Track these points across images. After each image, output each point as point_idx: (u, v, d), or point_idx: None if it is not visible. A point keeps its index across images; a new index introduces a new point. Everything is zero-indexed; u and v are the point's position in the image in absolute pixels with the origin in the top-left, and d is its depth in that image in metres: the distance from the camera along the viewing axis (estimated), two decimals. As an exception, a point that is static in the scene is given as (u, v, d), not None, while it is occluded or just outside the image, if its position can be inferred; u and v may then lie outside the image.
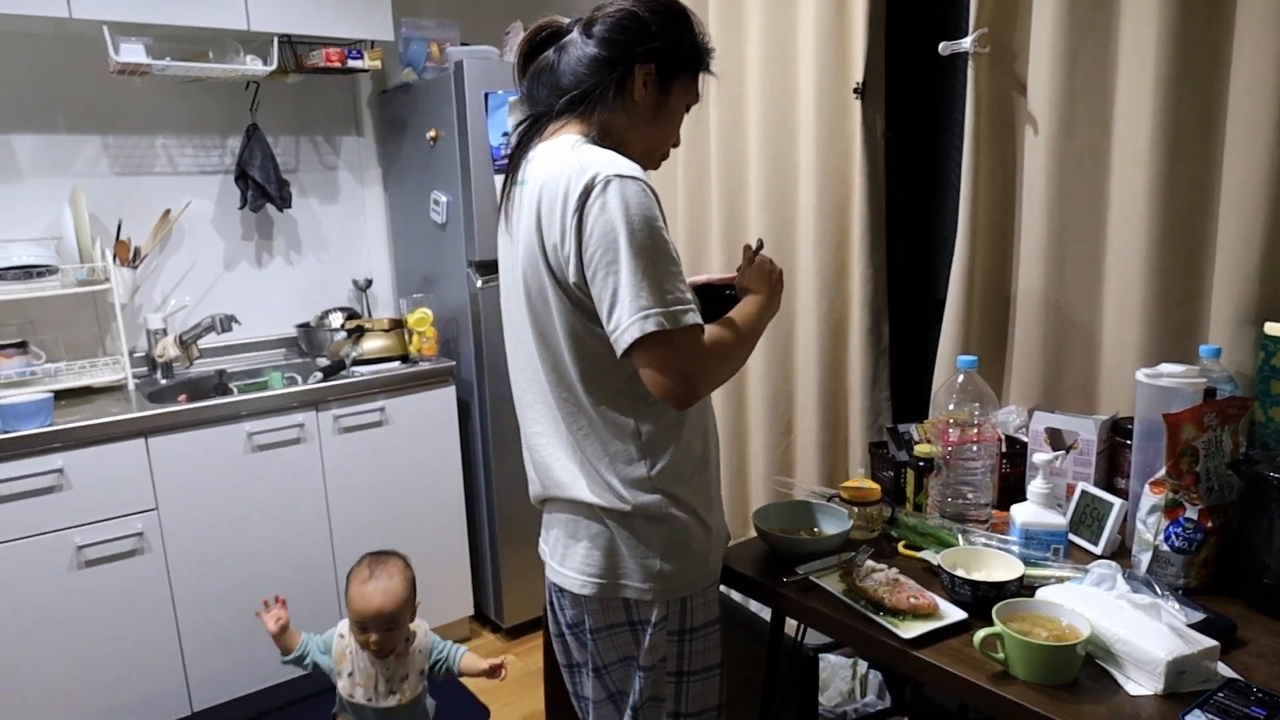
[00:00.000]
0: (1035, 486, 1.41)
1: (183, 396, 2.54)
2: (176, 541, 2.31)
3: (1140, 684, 1.08)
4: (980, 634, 1.13)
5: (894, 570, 1.35)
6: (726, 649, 1.47)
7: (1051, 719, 1.04)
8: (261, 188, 2.78)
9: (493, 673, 2.00)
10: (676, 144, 1.42)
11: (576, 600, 1.41)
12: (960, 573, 1.28)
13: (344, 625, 1.98)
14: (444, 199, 2.75)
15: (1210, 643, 1.09)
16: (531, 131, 1.34)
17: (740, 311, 1.36)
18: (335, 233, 3.11)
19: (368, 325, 2.75)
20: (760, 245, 1.45)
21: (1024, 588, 1.27)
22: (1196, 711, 1.01)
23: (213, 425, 2.33)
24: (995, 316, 1.93)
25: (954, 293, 1.89)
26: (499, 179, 2.62)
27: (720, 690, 1.47)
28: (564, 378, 1.30)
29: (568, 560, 1.39)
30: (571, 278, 1.22)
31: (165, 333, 2.71)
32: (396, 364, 2.70)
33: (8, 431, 2.08)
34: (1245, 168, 1.48)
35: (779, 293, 1.44)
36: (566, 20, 1.35)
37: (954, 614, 1.25)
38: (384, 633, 1.89)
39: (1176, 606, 1.17)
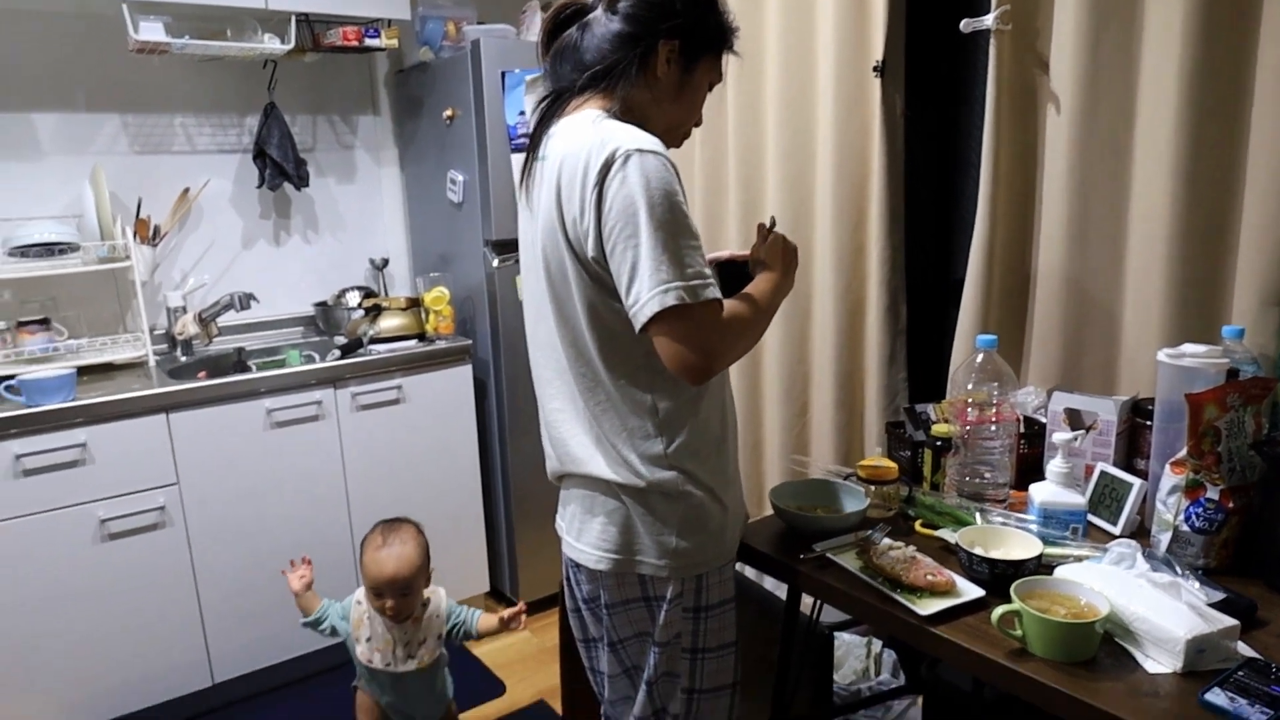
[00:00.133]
0: (1054, 465, 1.40)
1: (202, 373, 2.56)
2: (197, 516, 2.34)
3: (1159, 662, 1.08)
4: (998, 611, 1.13)
5: (911, 548, 1.35)
6: (741, 627, 1.47)
7: (1069, 695, 1.04)
8: (279, 166, 2.79)
9: (509, 623, 2.02)
10: (699, 123, 1.41)
11: (593, 576, 1.42)
12: (978, 551, 1.28)
13: (360, 593, 2.01)
14: (460, 178, 2.75)
15: (1230, 622, 1.08)
16: (554, 107, 1.33)
17: (756, 287, 1.36)
18: (352, 212, 3.12)
19: (385, 304, 2.77)
20: (773, 223, 1.44)
21: (1042, 566, 1.27)
22: (1216, 689, 1.01)
23: (233, 402, 2.35)
24: (1015, 296, 1.92)
25: (973, 272, 1.88)
26: (516, 158, 2.63)
27: (735, 668, 1.48)
28: (582, 353, 1.31)
29: (584, 536, 1.40)
30: (590, 252, 1.22)
31: (185, 310, 2.73)
32: (413, 342, 2.71)
33: (32, 406, 2.11)
34: (1271, 148, 1.46)
35: (793, 270, 1.43)
36: None
37: (971, 591, 1.25)
38: (399, 598, 1.91)
39: (1197, 585, 1.17)
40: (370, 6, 2.69)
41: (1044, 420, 1.70)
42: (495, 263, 2.67)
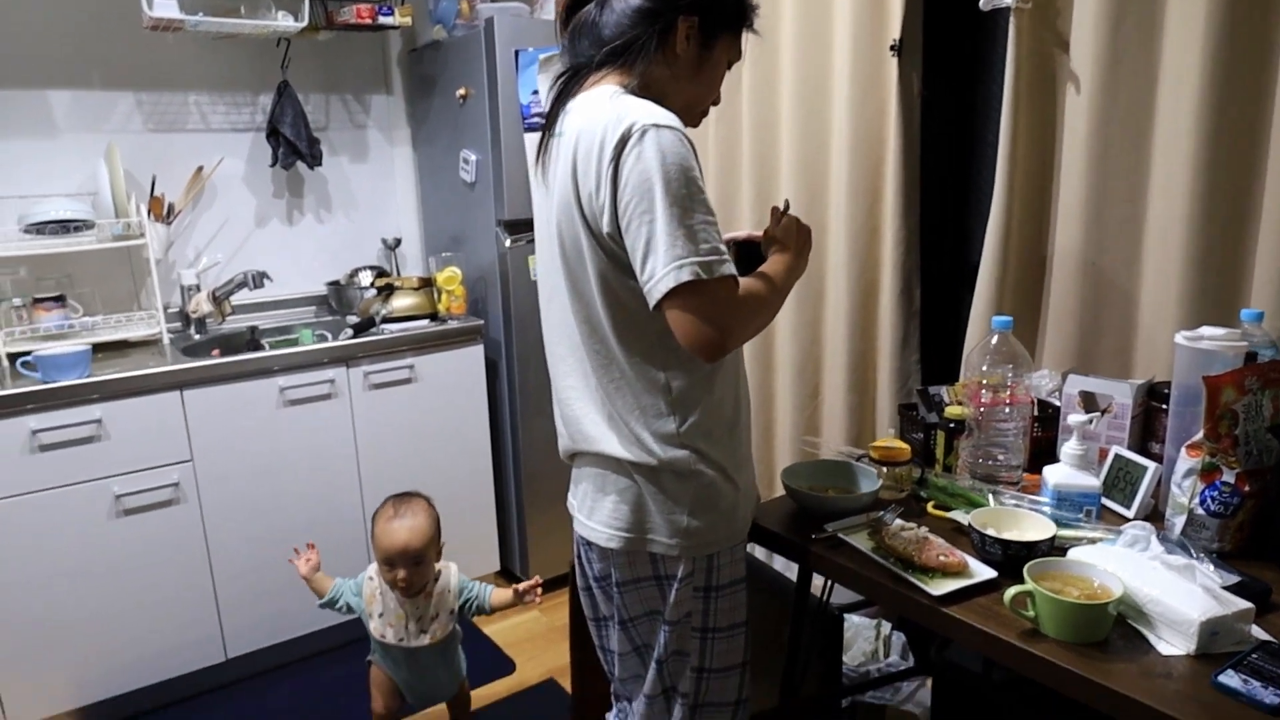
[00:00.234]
0: (1069, 448, 1.39)
1: (216, 351, 2.57)
2: (211, 492, 2.35)
3: (1172, 644, 1.08)
4: (1011, 591, 1.13)
5: (923, 529, 1.34)
6: (751, 608, 1.48)
7: (1081, 676, 1.04)
8: (292, 145, 2.79)
9: (524, 595, 2.03)
10: (717, 101, 1.40)
11: (604, 554, 1.43)
12: (991, 532, 1.28)
13: (373, 568, 2.02)
14: (473, 158, 2.74)
15: (1245, 605, 1.08)
16: (571, 84, 1.32)
17: (770, 267, 1.35)
18: (365, 191, 3.12)
19: (397, 283, 2.77)
20: (787, 206, 1.44)
21: (1055, 548, 1.27)
22: (1230, 671, 1.00)
23: (246, 379, 2.36)
24: (1030, 278, 1.91)
25: (989, 254, 1.87)
26: (529, 137, 2.62)
27: (745, 648, 1.48)
28: (596, 330, 1.30)
29: (596, 514, 1.40)
30: (605, 228, 1.21)
31: (199, 288, 2.74)
32: (425, 322, 2.71)
33: (48, 382, 2.12)
34: (1295, 127, 1.44)
35: (807, 252, 1.43)
36: None
37: (984, 572, 1.25)
38: (411, 568, 1.92)
39: (1211, 568, 1.16)
40: (383, -16, 2.68)
41: (1058, 404, 1.69)
42: (508, 243, 2.67)
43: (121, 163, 2.50)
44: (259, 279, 2.68)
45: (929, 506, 1.51)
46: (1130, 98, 1.66)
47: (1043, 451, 1.65)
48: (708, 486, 1.34)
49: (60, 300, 2.47)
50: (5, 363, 2.31)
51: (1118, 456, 1.50)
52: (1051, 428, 1.68)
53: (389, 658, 2.02)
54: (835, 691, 1.91)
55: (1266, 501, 1.30)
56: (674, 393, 1.30)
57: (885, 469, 1.55)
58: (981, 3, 1.81)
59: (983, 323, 1.89)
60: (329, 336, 2.75)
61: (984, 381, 1.56)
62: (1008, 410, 1.55)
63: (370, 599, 1.99)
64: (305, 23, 2.61)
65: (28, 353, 2.21)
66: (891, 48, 2.04)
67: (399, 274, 3.10)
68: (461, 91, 2.73)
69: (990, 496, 1.45)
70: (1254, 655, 1.03)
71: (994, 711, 1.78)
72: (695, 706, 1.46)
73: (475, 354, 2.75)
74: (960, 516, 1.42)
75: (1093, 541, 1.29)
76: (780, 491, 1.60)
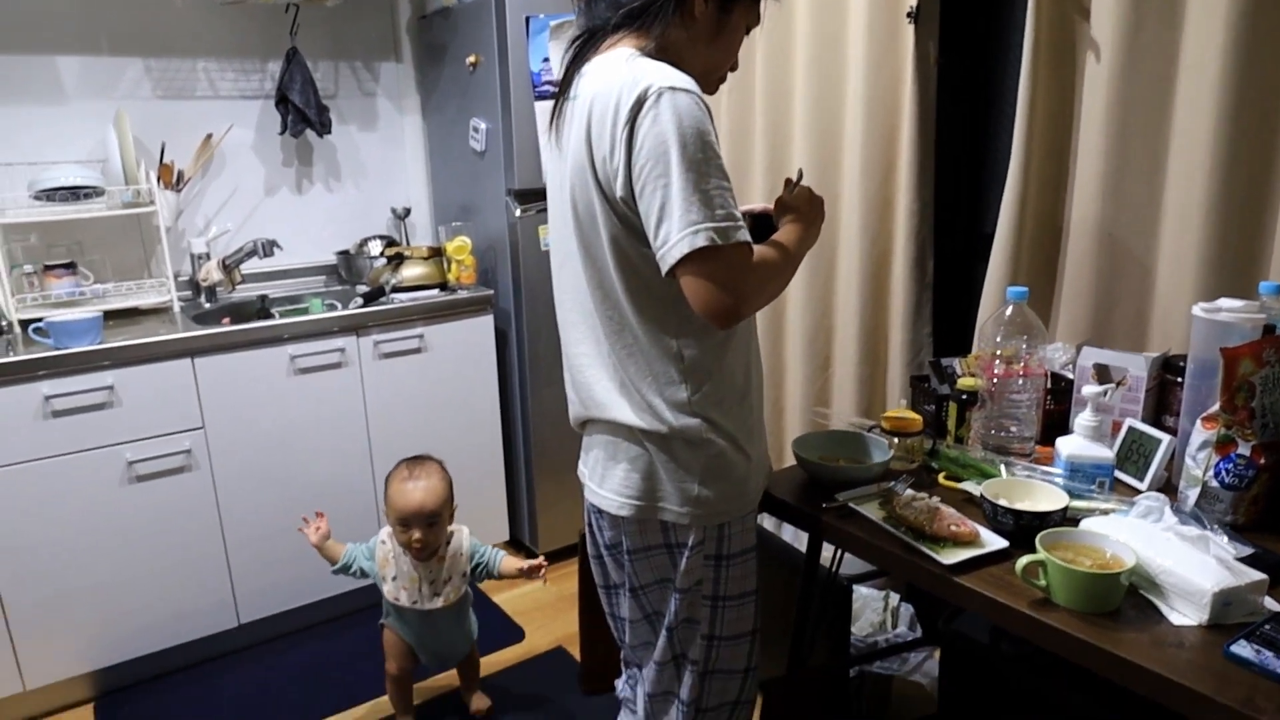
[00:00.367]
0: (1083, 419, 1.39)
1: (226, 320, 2.57)
2: (223, 459, 2.37)
3: (1184, 614, 1.08)
4: (1023, 561, 1.13)
5: (935, 499, 1.34)
6: (761, 579, 1.48)
7: (1092, 645, 1.04)
8: (301, 112, 2.77)
9: (531, 573, 2.04)
10: (734, 67, 1.38)
11: (615, 522, 1.43)
12: (1003, 502, 1.27)
13: (385, 532, 2.04)
14: (483, 126, 2.72)
15: (1259, 576, 1.08)
16: (586, 47, 1.31)
17: (783, 235, 1.34)
18: (374, 160, 3.10)
19: (407, 253, 2.76)
20: (800, 176, 1.43)
21: (1067, 519, 1.26)
22: (1242, 641, 1.00)
23: (257, 347, 2.36)
24: (1046, 249, 1.89)
25: (1004, 224, 1.85)
26: (539, 106, 2.60)
27: (754, 617, 1.49)
28: (609, 295, 1.30)
29: (607, 482, 1.40)
30: (619, 192, 1.20)
31: (208, 257, 2.74)
32: (435, 291, 2.70)
33: (60, 348, 2.13)
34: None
35: (819, 223, 1.41)
36: None
37: (995, 542, 1.24)
38: (426, 529, 1.94)
39: (1225, 540, 1.16)
40: (393, -51, 2.65)
41: (1071, 376, 1.68)
42: (518, 212, 2.66)
43: (130, 130, 2.49)
44: (269, 247, 2.68)
45: (940, 477, 1.51)
46: (1152, 66, 1.64)
47: (1055, 424, 1.64)
48: (718, 456, 1.33)
49: (71, 267, 2.47)
50: (18, 329, 2.32)
51: (1131, 429, 1.49)
52: (1064, 400, 1.67)
53: (403, 620, 2.04)
54: (843, 661, 1.92)
55: (1282, 474, 1.29)
56: (686, 360, 1.29)
57: (897, 440, 1.55)
58: (1001, -32, 1.78)
59: (997, 294, 1.88)
60: (339, 306, 2.75)
61: (997, 353, 1.56)
62: (1021, 382, 1.54)
63: (384, 563, 2.01)
64: (314, -12, 2.58)
65: (39, 319, 2.21)
66: (908, 15, 2.01)
67: (408, 243, 3.09)
68: (471, 59, 2.70)
69: (1002, 467, 1.45)
70: (1267, 626, 1.03)
71: (1002, 682, 1.78)
72: (705, 673, 1.47)
73: (485, 324, 2.75)
74: (971, 487, 1.42)
75: (1105, 513, 1.28)
76: (790, 463, 1.59)
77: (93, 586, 2.25)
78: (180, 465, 2.31)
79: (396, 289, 2.68)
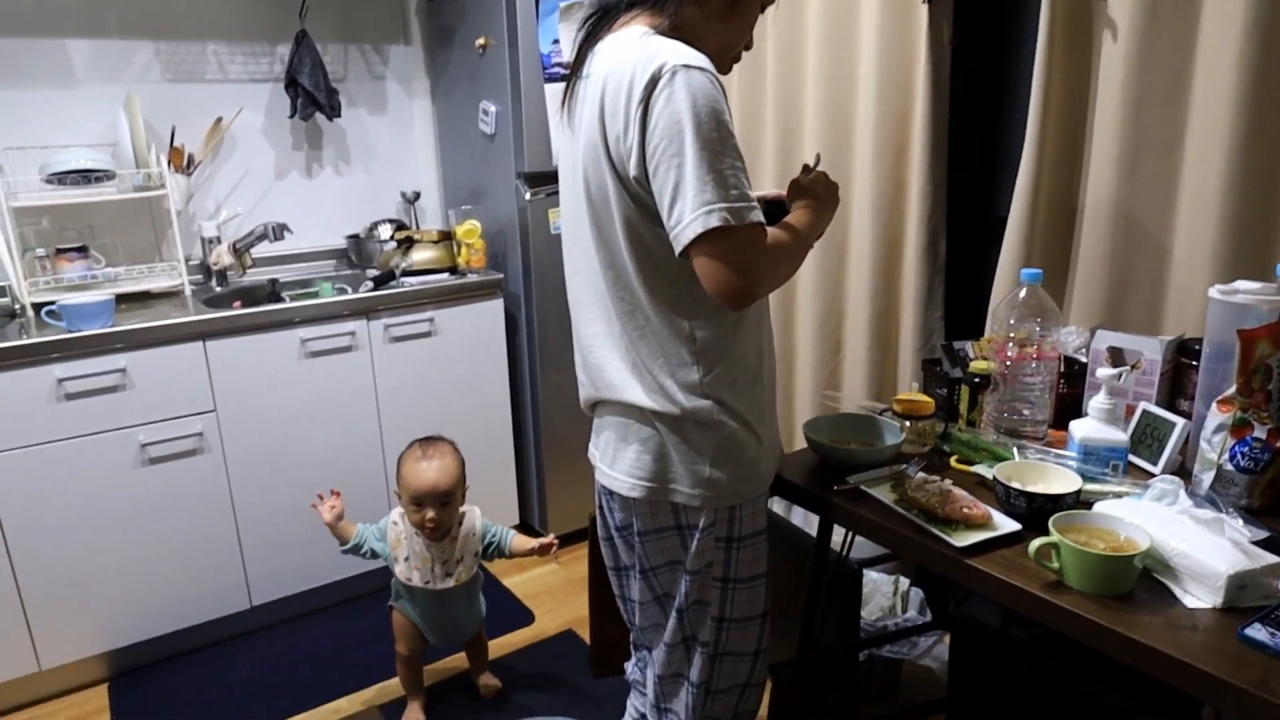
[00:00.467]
0: (1097, 401, 1.38)
1: (237, 303, 2.58)
2: (234, 442, 2.38)
3: (1199, 597, 1.07)
4: (1036, 543, 1.12)
5: (947, 482, 1.34)
6: (771, 562, 1.48)
7: (1105, 627, 1.03)
8: (311, 95, 2.76)
9: (543, 550, 2.05)
10: (749, 46, 1.37)
11: (626, 503, 1.43)
12: (1016, 485, 1.27)
13: (396, 513, 2.04)
14: (493, 109, 2.71)
15: (1274, 559, 1.07)
16: (599, 25, 1.30)
17: (795, 217, 1.33)
18: (383, 144, 3.09)
19: (417, 236, 2.76)
20: (818, 160, 1.42)
21: (1081, 503, 1.26)
22: (1257, 625, 0.99)
23: (268, 331, 2.37)
24: (1060, 233, 1.87)
25: (1018, 205, 1.83)
26: (549, 88, 2.59)
27: (765, 599, 1.49)
28: (621, 276, 1.29)
29: (618, 463, 1.40)
30: (632, 171, 1.19)
31: (219, 240, 2.74)
32: (445, 275, 2.70)
33: (73, 331, 2.14)
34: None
35: (832, 207, 1.40)
36: None
37: (1008, 525, 1.24)
38: (439, 508, 1.94)
39: (1240, 523, 1.15)
40: (402, -69, 2.63)
41: (1085, 360, 1.67)
42: (528, 196, 2.65)
43: (141, 113, 2.49)
44: (279, 231, 2.68)
45: (952, 460, 1.50)
46: (1169, 45, 1.62)
47: (1068, 408, 1.63)
48: (730, 438, 1.33)
49: (83, 251, 2.48)
50: (30, 312, 2.33)
51: (1145, 412, 1.48)
52: (1077, 384, 1.66)
53: (413, 600, 2.05)
54: (853, 645, 1.92)
55: (1298, 458, 1.28)
56: (698, 342, 1.29)
57: (908, 423, 1.54)
58: (1017, -54, 1.76)
59: (1010, 277, 1.87)
60: (349, 290, 2.75)
61: (1011, 335, 1.54)
62: (1034, 365, 1.53)
63: (395, 543, 2.01)
64: (323, -30, 2.57)
65: (51, 303, 2.22)
66: (922, -6, 1.99)
67: (418, 227, 3.09)
68: (481, 41, 2.69)
69: (1015, 451, 1.44)
70: (1282, 609, 1.02)
71: (1012, 667, 1.78)
72: (715, 656, 1.47)
73: (495, 308, 2.75)
74: (984, 470, 1.41)
75: (1119, 496, 1.28)
76: (800, 446, 1.59)
77: (107, 568, 2.27)
78: (192, 448, 2.32)
79: (406, 273, 2.68)
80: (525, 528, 3.06)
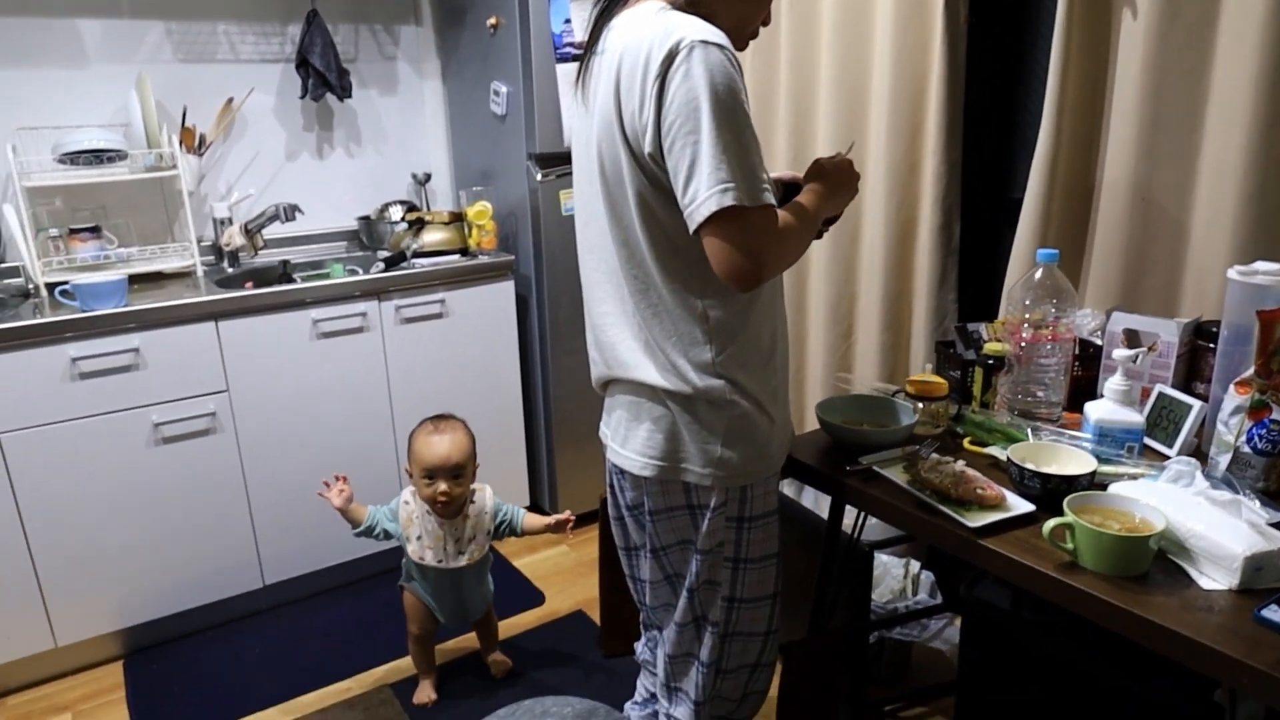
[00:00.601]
0: (1113, 383, 1.36)
1: (249, 284, 2.58)
2: (247, 422, 2.38)
3: (1214, 579, 1.06)
4: (1050, 524, 1.12)
5: (960, 463, 1.33)
6: (782, 543, 1.48)
7: (1120, 608, 1.03)
8: (322, 76, 2.76)
9: (558, 527, 2.06)
10: (767, 21, 1.35)
11: (637, 482, 1.43)
12: (1030, 466, 1.26)
13: (407, 492, 2.05)
14: (504, 89, 2.70)
15: (1291, 541, 1.06)
16: (615, 0, 1.28)
17: (804, 196, 1.32)
18: (394, 125, 3.09)
19: (428, 218, 2.75)
20: (850, 149, 1.41)
21: (1095, 484, 1.25)
22: (1274, 606, 0.99)
23: (280, 311, 2.37)
24: (1076, 211, 1.85)
25: (1034, 185, 1.81)
26: (561, 68, 2.57)
27: (775, 580, 1.49)
28: (634, 254, 1.28)
29: (629, 442, 1.40)
30: (647, 148, 1.18)
31: (231, 221, 2.74)
32: (456, 257, 2.70)
33: (86, 311, 2.15)
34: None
35: (844, 193, 1.39)
36: None
37: (1021, 506, 1.23)
38: (451, 482, 1.95)
39: (1258, 504, 1.14)
40: (413, -91, 2.61)
41: (1100, 343, 1.65)
42: (539, 177, 2.64)
43: (152, 93, 2.48)
44: (291, 212, 2.68)
45: (965, 442, 1.49)
46: (1190, 22, 1.59)
47: (1082, 391, 1.62)
48: (742, 417, 1.33)
49: (95, 231, 2.49)
50: (44, 292, 2.34)
51: (1161, 395, 1.47)
52: (1092, 367, 1.65)
53: (425, 579, 2.06)
54: (863, 627, 1.92)
55: (1316, 440, 1.26)
56: (711, 321, 1.28)
57: (921, 404, 1.53)
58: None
59: (1025, 258, 1.85)
60: (360, 271, 2.75)
61: (1026, 318, 1.53)
62: (1049, 347, 1.52)
63: (407, 522, 2.02)
64: (334, -51, 2.56)
65: (65, 282, 2.23)
66: (938, -28, 1.97)
67: (429, 209, 3.08)
68: (492, 21, 2.68)
69: (1029, 432, 1.43)
70: (1299, 591, 1.02)
71: (1023, 649, 1.78)
72: (725, 636, 1.47)
73: (506, 289, 2.75)
74: (997, 452, 1.41)
75: (1134, 477, 1.27)
76: (811, 429, 1.58)
77: (121, 546, 2.28)
78: (205, 428, 2.33)
79: (418, 254, 2.68)
80: (536, 509, 3.05)
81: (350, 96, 2.86)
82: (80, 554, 2.23)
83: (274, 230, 2.80)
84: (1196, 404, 1.40)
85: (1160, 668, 1.33)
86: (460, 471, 1.97)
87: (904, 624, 2.03)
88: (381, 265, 2.60)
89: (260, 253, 2.79)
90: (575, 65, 1.33)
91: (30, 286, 2.38)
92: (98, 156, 2.42)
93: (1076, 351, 1.62)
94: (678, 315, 1.28)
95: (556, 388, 2.83)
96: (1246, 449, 1.27)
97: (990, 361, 1.59)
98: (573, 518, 2.07)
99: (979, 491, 1.25)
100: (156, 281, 2.52)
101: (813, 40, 2.31)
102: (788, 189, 1.40)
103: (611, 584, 2.05)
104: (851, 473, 1.41)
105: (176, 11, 2.65)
